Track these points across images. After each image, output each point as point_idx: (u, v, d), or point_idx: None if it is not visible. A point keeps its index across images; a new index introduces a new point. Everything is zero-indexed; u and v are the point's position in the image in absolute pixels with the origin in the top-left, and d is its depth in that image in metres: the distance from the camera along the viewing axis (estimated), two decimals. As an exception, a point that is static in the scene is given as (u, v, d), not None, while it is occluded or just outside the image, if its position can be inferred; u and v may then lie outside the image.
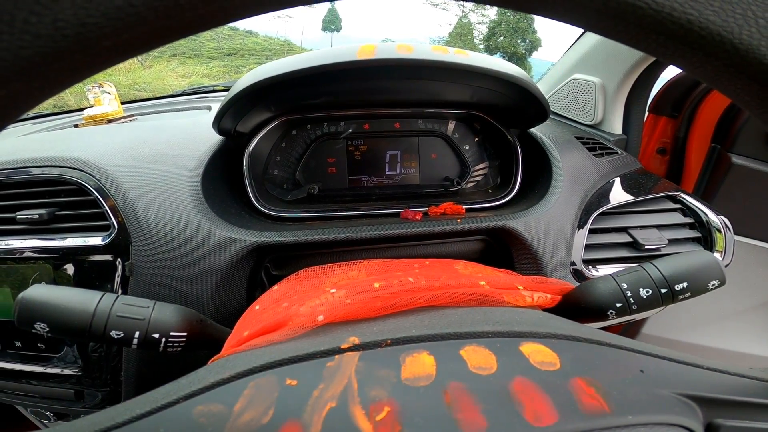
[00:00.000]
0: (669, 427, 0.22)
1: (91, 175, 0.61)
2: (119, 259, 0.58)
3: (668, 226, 0.73)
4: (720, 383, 0.25)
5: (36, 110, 1.30)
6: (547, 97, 0.63)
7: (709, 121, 1.01)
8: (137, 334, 0.39)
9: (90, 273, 0.60)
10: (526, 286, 0.43)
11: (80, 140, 0.70)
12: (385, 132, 0.77)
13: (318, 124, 0.75)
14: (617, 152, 0.84)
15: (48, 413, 0.72)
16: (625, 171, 0.80)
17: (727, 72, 0.18)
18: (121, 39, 0.14)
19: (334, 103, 0.73)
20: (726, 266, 0.70)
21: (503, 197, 0.73)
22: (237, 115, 0.64)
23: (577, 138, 0.83)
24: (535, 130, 0.77)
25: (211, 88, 1.34)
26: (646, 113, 1.04)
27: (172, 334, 0.40)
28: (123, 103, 1.09)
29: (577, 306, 0.44)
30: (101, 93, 0.97)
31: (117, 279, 0.58)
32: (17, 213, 0.61)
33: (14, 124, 1.11)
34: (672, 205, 0.76)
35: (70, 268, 0.60)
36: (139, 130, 0.74)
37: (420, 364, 0.25)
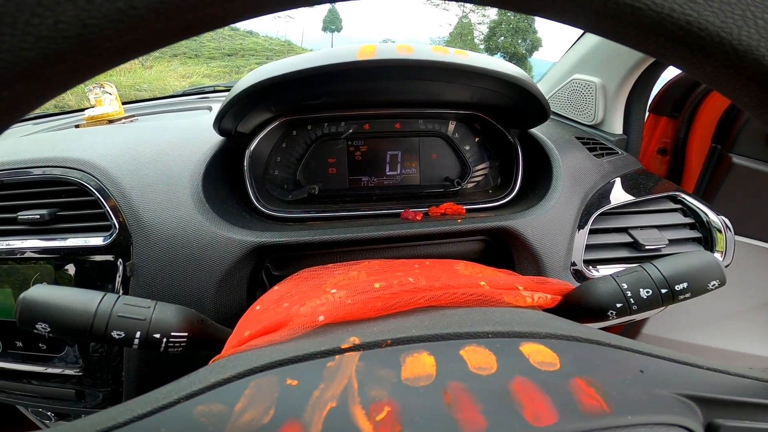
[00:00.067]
0: (669, 428, 0.22)
1: (92, 175, 0.61)
2: (120, 260, 0.58)
3: (669, 227, 0.73)
4: (720, 383, 0.25)
5: (37, 111, 1.30)
6: (547, 98, 0.63)
7: (710, 122, 1.01)
8: (138, 334, 0.39)
9: (91, 273, 0.60)
10: (527, 286, 0.43)
11: (81, 141, 0.70)
12: (386, 132, 0.77)
13: (318, 124, 0.75)
14: (618, 152, 0.84)
15: (49, 413, 0.72)
16: (626, 171, 0.80)
17: (727, 73, 0.18)
18: (123, 40, 0.14)
19: (335, 103, 0.73)
20: (726, 266, 0.70)
21: (504, 197, 0.73)
22: (238, 115, 0.64)
23: (578, 138, 0.83)
24: (535, 131, 0.77)
25: (211, 89, 1.34)
26: (647, 113, 1.04)
27: (173, 334, 0.40)
28: (124, 103, 1.09)
29: (578, 306, 0.44)
30: (102, 93, 0.97)
31: (118, 279, 0.58)
32: (18, 213, 0.61)
33: (16, 125, 1.11)
34: (672, 206, 0.76)
35: (71, 269, 0.60)
36: (140, 131, 0.75)
37: (420, 364, 0.25)
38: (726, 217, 0.74)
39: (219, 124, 0.62)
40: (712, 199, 1.00)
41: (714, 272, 0.41)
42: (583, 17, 0.17)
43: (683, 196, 0.76)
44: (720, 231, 0.72)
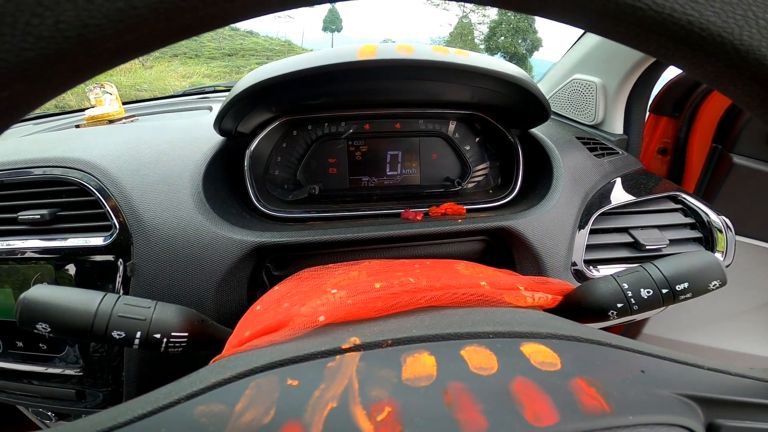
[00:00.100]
0: (670, 428, 0.22)
1: (92, 175, 0.61)
2: (120, 260, 0.58)
3: (669, 227, 0.73)
4: (721, 383, 0.25)
5: (37, 111, 1.30)
6: (547, 98, 0.63)
7: (710, 121, 1.00)
8: (139, 334, 0.39)
9: (91, 273, 0.60)
10: (527, 286, 0.43)
11: (82, 141, 0.70)
12: (386, 132, 0.77)
13: (319, 124, 0.75)
14: (618, 152, 0.84)
15: (49, 413, 0.72)
16: (626, 171, 0.80)
17: (728, 73, 0.18)
18: (123, 40, 0.14)
19: (335, 103, 0.73)
20: (727, 266, 0.70)
21: (504, 197, 0.73)
22: (238, 115, 0.64)
23: (578, 138, 0.83)
24: (535, 131, 0.77)
25: (212, 89, 1.34)
26: (647, 113, 1.04)
27: (173, 334, 0.40)
28: (124, 103, 1.09)
29: (578, 306, 0.44)
30: (102, 93, 0.97)
31: (118, 279, 0.59)
32: (19, 213, 0.61)
33: (16, 125, 1.11)
34: (673, 206, 0.76)
35: (71, 269, 0.60)
36: (140, 131, 0.75)
37: (421, 365, 0.25)
38: (727, 217, 0.74)
39: (219, 124, 0.62)
40: (712, 199, 1.00)
41: (715, 272, 0.41)
42: (583, 17, 0.17)
43: (684, 196, 0.76)
44: (721, 231, 0.72)
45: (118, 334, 0.38)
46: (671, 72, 1.01)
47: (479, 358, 0.25)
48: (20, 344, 0.62)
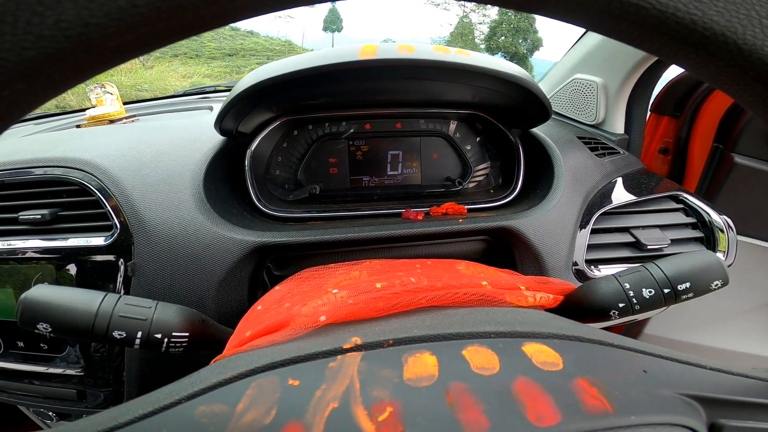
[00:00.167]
0: (672, 428, 0.21)
1: (93, 175, 0.61)
2: (121, 260, 0.58)
3: (671, 226, 0.73)
4: (723, 383, 0.25)
5: (38, 111, 1.30)
6: (548, 97, 0.63)
7: (712, 121, 1.00)
8: (140, 334, 0.39)
9: (92, 273, 0.60)
10: (529, 286, 0.43)
11: (82, 141, 0.70)
12: (387, 132, 0.77)
13: (319, 124, 0.75)
14: (619, 152, 0.84)
15: (50, 413, 0.72)
16: (628, 171, 0.79)
17: (731, 72, 0.18)
18: (124, 39, 0.14)
19: (336, 103, 0.73)
20: (729, 266, 0.70)
21: (505, 197, 0.73)
22: (239, 115, 0.64)
23: (579, 138, 0.82)
24: (536, 130, 0.76)
25: (212, 89, 1.34)
26: (648, 113, 1.04)
27: (174, 334, 0.40)
28: (125, 103, 1.09)
29: (580, 306, 0.44)
30: (103, 93, 0.97)
31: (119, 279, 0.59)
32: (20, 213, 0.61)
33: (17, 125, 1.11)
34: (674, 205, 0.76)
35: (72, 269, 0.60)
36: (141, 131, 0.75)
37: (422, 365, 0.25)
38: (728, 216, 0.73)
39: (220, 124, 0.62)
40: (714, 199, 1.00)
41: (716, 272, 0.41)
42: (586, 16, 0.17)
43: (685, 195, 0.76)
44: (722, 231, 0.72)
45: (119, 334, 0.38)
46: (672, 71, 1.01)
47: (481, 358, 0.25)
48: (21, 344, 0.62)
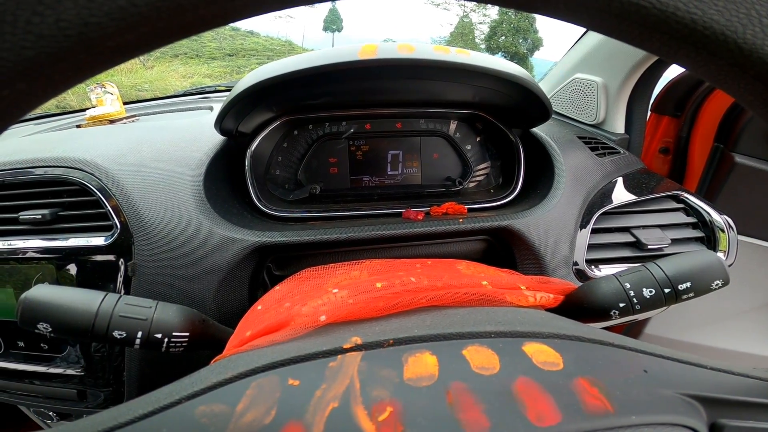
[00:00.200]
0: (673, 428, 0.21)
1: (93, 175, 0.61)
2: (122, 259, 0.58)
3: (671, 226, 0.73)
4: (724, 383, 0.25)
5: (39, 111, 1.30)
6: (549, 97, 0.63)
7: (712, 121, 1.00)
8: (140, 334, 0.39)
9: (92, 273, 0.60)
10: (529, 286, 0.43)
11: (83, 141, 0.70)
12: (387, 132, 0.77)
13: (320, 124, 0.75)
14: (620, 152, 0.84)
15: (51, 413, 0.72)
16: (628, 171, 0.79)
17: (731, 71, 0.18)
18: (124, 39, 0.14)
19: (336, 103, 0.73)
20: (729, 266, 0.70)
21: (505, 197, 0.73)
22: (239, 115, 0.64)
23: (580, 138, 0.82)
24: (537, 130, 0.76)
25: (213, 89, 1.34)
26: (649, 113, 1.04)
27: (174, 334, 0.40)
28: (125, 103, 1.09)
29: (580, 306, 0.44)
30: (103, 93, 0.97)
31: (119, 279, 0.59)
32: (20, 213, 0.61)
33: (17, 125, 1.11)
34: (675, 205, 0.76)
35: (72, 269, 0.60)
36: (141, 131, 0.75)
37: (422, 364, 0.24)
38: (729, 216, 0.73)
39: (220, 123, 0.62)
40: (714, 199, 0.99)
41: (717, 272, 0.41)
42: (586, 15, 0.17)
43: (686, 195, 0.76)
44: (723, 230, 0.72)
45: (119, 334, 0.38)
46: (673, 71, 1.01)
47: (481, 358, 0.25)
48: (21, 344, 0.62)
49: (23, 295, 0.38)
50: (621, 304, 0.41)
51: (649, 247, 0.68)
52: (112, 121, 0.96)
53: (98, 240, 0.59)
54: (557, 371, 0.24)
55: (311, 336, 0.31)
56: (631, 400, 0.22)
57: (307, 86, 0.63)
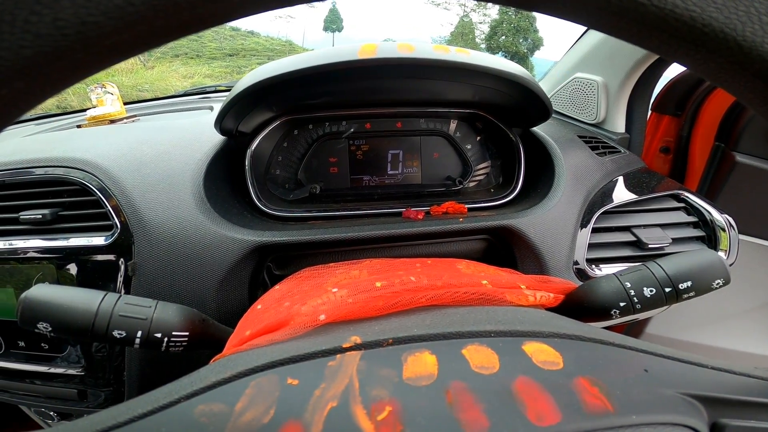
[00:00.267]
0: (673, 427, 0.21)
1: (93, 175, 0.61)
2: (122, 259, 0.58)
3: (672, 225, 0.73)
4: (725, 383, 0.25)
5: (39, 111, 1.30)
6: (549, 96, 0.63)
7: (713, 120, 1.00)
8: (140, 333, 0.39)
9: (93, 273, 0.60)
10: (529, 285, 0.43)
11: (83, 141, 0.70)
12: (387, 131, 0.77)
13: (320, 123, 0.75)
14: (620, 151, 0.84)
15: (51, 413, 0.72)
16: (628, 170, 0.79)
17: (731, 69, 0.17)
18: (122, 38, 0.14)
19: (336, 102, 0.73)
20: (730, 265, 0.70)
21: (506, 196, 0.73)
22: (239, 115, 0.64)
23: (580, 137, 0.82)
24: (537, 129, 0.76)
25: (213, 89, 1.34)
26: (649, 112, 1.03)
27: (174, 333, 0.40)
28: (125, 103, 1.09)
29: (581, 305, 0.44)
30: (104, 94, 0.97)
31: (119, 279, 0.59)
32: (20, 213, 0.61)
33: (17, 125, 1.12)
34: (676, 204, 0.76)
35: (73, 268, 0.60)
36: (141, 131, 0.75)
37: (422, 364, 0.24)
38: (729, 215, 0.73)
39: (220, 123, 0.62)
40: (715, 198, 0.99)
41: (718, 271, 0.41)
42: (586, 14, 0.17)
43: (686, 194, 0.76)
44: (724, 229, 0.72)
45: (119, 334, 0.38)
46: (673, 70, 1.01)
47: (481, 357, 0.25)
48: (22, 344, 0.63)
49: (23, 295, 0.38)
50: (621, 304, 0.41)
51: (649, 246, 0.68)
52: (112, 121, 0.96)
53: (98, 240, 0.59)
54: (557, 371, 0.24)
55: (310, 335, 0.31)
56: (632, 399, 0.22)
57: (307, 86, 0.63)
